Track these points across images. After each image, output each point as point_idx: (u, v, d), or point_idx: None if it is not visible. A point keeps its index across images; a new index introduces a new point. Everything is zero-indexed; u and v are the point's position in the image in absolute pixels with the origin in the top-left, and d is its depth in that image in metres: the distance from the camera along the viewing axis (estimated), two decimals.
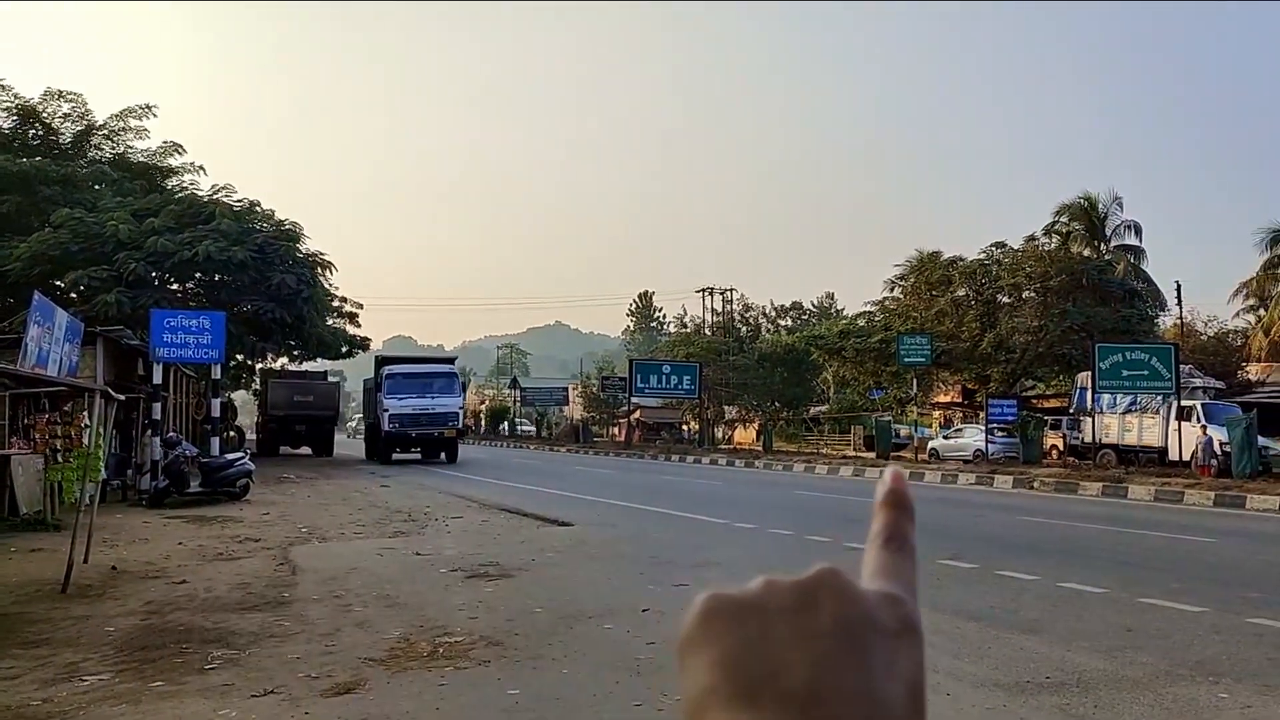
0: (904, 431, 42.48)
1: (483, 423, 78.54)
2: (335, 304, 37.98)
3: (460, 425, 35.95)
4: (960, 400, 46.46)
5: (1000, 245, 41.67)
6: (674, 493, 23.08)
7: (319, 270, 33.38)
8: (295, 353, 39.60)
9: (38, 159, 32.37)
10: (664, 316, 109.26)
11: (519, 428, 76.68)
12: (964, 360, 40.64)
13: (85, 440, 12.88)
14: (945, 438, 39.90)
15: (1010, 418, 33.93)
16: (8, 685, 7.14)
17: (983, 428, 35.15)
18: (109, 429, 13.69)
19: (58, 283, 28.45)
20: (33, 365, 16.77)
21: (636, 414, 59.89)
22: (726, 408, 61.30)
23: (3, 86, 34.13)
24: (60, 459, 13.66)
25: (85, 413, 13.35)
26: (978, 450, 34.77)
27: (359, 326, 40.12)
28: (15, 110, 34.28)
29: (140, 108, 35.79)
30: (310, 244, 33.37)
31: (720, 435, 58.92)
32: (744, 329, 63.16)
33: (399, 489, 23.91)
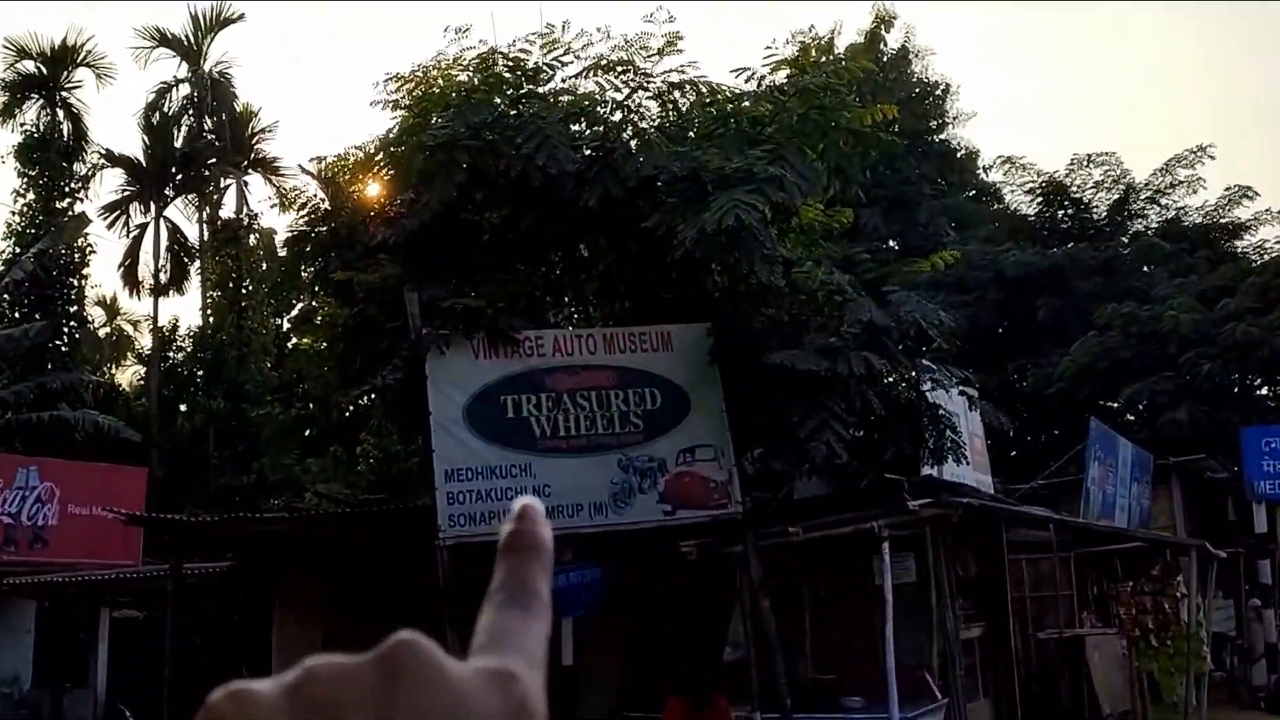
0: None
1: None
2: None
3: None
4: None
5: None
6: None
7: None
8: None
9: (1069, 245, 27.74)
10: None
11: None
12: None
13: (1183, 616, 8.76)
14: None
15: None
16: None
17: None
18: (1209, 599, 9.42)
19: (1109, 403, 24.37)
20: (1098, 515, 14.95)
21: None
22: None
23: (1023, 167, 29.84)
24: (1153, 641, 9.69)
25: (1179, 578, 9.20)
26: None
27: None
28: (1039, 189, 29.61)
29: (1190, 152, 28.35)
30: None
31: None
32: None
33: None
